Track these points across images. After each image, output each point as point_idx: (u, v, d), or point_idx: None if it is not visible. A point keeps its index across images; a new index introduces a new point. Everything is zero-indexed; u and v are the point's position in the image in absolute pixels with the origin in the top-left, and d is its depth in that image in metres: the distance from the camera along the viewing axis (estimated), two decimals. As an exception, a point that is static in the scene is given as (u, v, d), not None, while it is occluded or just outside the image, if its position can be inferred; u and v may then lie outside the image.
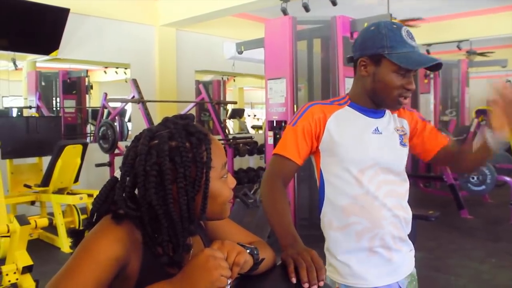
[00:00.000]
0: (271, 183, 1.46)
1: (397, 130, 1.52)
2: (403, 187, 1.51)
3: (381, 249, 1.44)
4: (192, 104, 7.43)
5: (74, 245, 0.97)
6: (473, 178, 6.01)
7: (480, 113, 9.23)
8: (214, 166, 0.97)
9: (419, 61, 1.37)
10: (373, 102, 1.48)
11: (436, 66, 1.40)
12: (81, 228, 1.03)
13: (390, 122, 1.52)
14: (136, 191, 0.95)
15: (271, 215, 1.39)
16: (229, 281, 0.91)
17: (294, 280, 1.06)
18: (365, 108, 1.49)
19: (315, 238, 1.56)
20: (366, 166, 1.44)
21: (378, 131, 1.48)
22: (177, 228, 0.93)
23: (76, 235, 1.01)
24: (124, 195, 0.94)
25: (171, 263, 0.95)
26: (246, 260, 0.99)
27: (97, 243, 0.90)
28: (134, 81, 6.24)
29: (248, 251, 1.02)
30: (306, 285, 1.03)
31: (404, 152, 1.52)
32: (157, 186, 0.91)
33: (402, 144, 1.51)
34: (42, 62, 8.35)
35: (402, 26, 1.41)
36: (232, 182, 1.04)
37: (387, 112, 1.54)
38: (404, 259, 1.50)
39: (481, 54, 9.92)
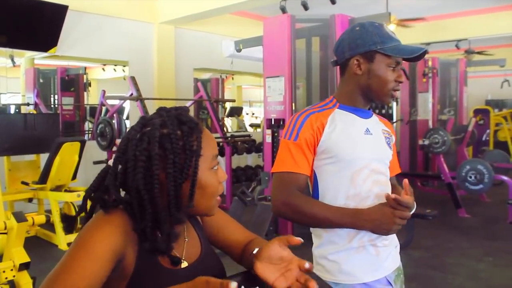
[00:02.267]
0: (290, 199, 1.44)
1: (384, 132, 1.57)
2: (389, 186, 1.54)
3: (369, 246, 1.47)
4: (191, 102, 7.42)
5: (66, 230, 0.97)
6: (470, 177, 6.02)
7: (478, 112, 9.25)
8: (204, 155, 0.98)
9: (411, 50, 1.44)
10: (365, 99, 1.52)
11: (422, 55, 1.46)
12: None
13: (377, 123, 1.58)
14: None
15: (318, 221, 1.44)
16: None
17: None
18: (355, 108, 1.52)
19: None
20: (361, 167, 1.46)
21: (369, 132, 1.51)
22: (161, 214, 0.94)
23: (68, 220, 1.02)
24: (115, 181, 0.95)
25: (155, 250, 0.96)
26: None
27: (92, 236, 0.90)
28: (133, 79, 6.23)
29: None
30: None
31: (390, 154, 1.57)
32: (145, 171, 0.93)
33: (389, 146, 1.57)
34: (40, 59, 8.34)
35: (383, 24, 1.49)
36: (222, 176, 1.04)
37: (374, 115, 1.60)
38: (391, 254, 1.53)
39: (480, 53, 9.92)
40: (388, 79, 1.45)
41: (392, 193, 1.50)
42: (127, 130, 1.01)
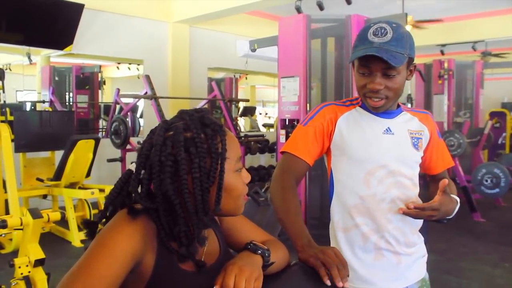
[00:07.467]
0: (282, 181, 1.43)
1: (411, 132, 1.47)
2: (415, 191, 1.47)
3: (388, 253, 1.42)
4: (204, 101, 7.43)
5: (88, 236, 0.97)
6: (486, 180, 5.95)
7: (494, 115, 9.13)
8: (229, 157, 0.97)
9: (356, 55, 1.33)
10: None
11: (378, 58, 1.29)
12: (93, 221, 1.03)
13: (405, 123, 1.48)
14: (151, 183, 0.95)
15: (283, 214, 1.36)
16: None
17: (328, 282, 1.05)
18: None
19: (325, 237, 1.54)
20: (376, 167, 1.41)
21: (390, 131, 1.44)
22: (192, 219, 0.94)
23: (89, 226, 1.01)
24: (139, 187, 0.94)
25: (186, 255, 0.95)
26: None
27: (113, 237, 0.90)
28: (147, 77, 6.25)
29: (259, 251, 1.03)
30: (340, 284, 1.04)
31: (417, 155, 1.47)
32: (172, 176, 0.92)
33: (415, 147, 1.46)
34: (56, 57, 8.42)
35: (378, 23, 1.34)
36: (246, 177, 1.03)
37: (404, 112, 1.49)
38: (415, 263, 1.48)
39: (497, 55, 9.79)
40: (358, 85, 1.39)
41: (434, 190, 1.40)
42: (148, 135, 1.00)
